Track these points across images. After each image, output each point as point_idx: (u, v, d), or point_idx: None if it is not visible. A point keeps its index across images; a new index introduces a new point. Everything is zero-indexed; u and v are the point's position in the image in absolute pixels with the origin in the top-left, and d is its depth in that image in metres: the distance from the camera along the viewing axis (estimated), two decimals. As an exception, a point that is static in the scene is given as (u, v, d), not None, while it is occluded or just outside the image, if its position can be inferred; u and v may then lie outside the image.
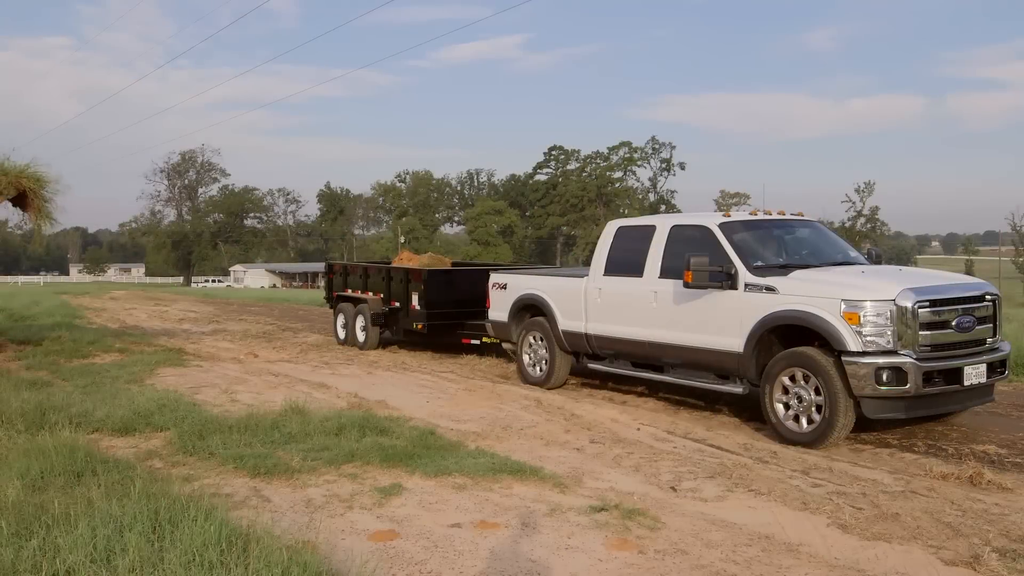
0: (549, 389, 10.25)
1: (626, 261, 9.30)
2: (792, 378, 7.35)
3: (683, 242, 8.58)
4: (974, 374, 7.16)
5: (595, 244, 10.20)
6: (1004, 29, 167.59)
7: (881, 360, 6.84)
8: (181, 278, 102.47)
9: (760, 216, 9.03)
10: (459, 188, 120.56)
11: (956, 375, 7.08)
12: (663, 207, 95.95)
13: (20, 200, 13.02)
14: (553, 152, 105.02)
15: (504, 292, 11.17)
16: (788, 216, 9.31)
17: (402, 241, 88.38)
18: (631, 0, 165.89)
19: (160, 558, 3.95)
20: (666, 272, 8.66)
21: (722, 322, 7.97)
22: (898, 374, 6.81)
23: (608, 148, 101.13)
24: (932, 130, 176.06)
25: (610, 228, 9.85)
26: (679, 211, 69.24)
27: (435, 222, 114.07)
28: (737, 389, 8.07)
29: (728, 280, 7.92)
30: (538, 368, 10.59)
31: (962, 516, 5.26)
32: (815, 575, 4.35)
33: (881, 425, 7.77)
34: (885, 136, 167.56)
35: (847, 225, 66.55)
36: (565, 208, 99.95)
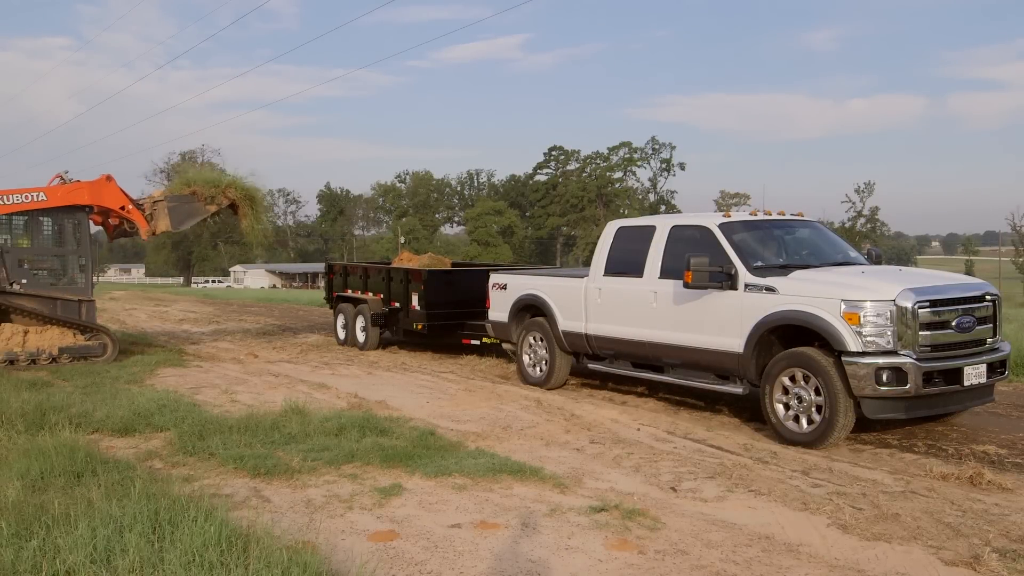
0: (549, 389, 10.25)
1: (626, 261, 9.30)
2: (792, 378, 7.35)
3: (683, 242, 8.58)
4: (974, 374, 7.16)
5: (595, 244, 10.20)
6: (1004, 29, 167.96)
7: (881, 360, 6.84)
8: (181, 278, 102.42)
9: (760, 216, 9.03)
10: (459, 188, 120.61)
11: (956, 375, 7.08)
12: (663, 207, 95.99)
13: (234, 208, 14.27)
14: (553, 152, 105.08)
15: (504, 292, 11.17)
16: (788, 216, 9.31)
17: (402, 241, 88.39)
18: (631, 0, 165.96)
19: (160, 558, 3.95)
20: (666, 272, 8.66)
21: (722, 322, 7.97)
22: (898, 374, 6.81)
23: (608, 148, 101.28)
24: (932, 130, 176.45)
25: (610, 228, 9.85)
26: (679, 211, 69.26)
27: (435, 222, 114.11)
28: (737, 389, 8.07)
29: (728, 280, 7.92)
30: (538, 368, 10.59)
31: (962, 516, 5.26)
32: (815, 575, 4.35)
33: (881, 425, 7.77)
34: (885, 136, 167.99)
35: (847, 225, 66.55)
36: (565, 208, 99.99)
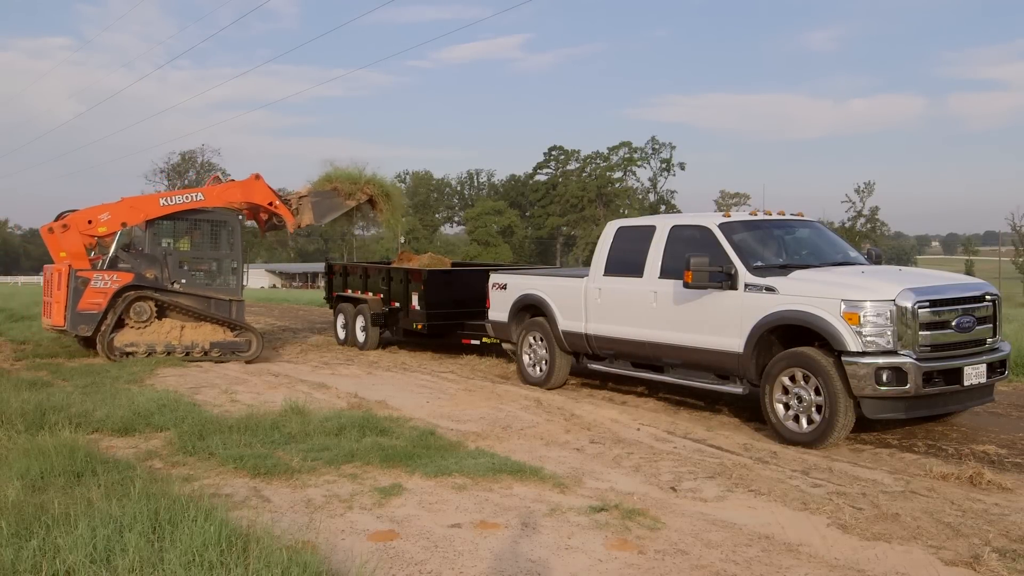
0: (549, 389, 10.25)
1: (626, 261, 9.30)
2: (792, 378, 7.35)
3: (683, 242, 8.58)
4: (974, 374, 7.16)
5: (595, 244, 10.21)
6: (1004, 29, 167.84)
7: (881, 360, 6.84)
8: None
9: (760, 216, 9.03)
10: (459, 188, 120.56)
11: (956, 375, 7.08)
12: (663, 207, 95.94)
13: (372, 203, 15.25)
14: (553, 152, 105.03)
15: (504, 292, 11.17)
16: (788, 216, 9.31)
17: (402, 241, 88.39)
18: (631, 0, 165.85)
19: (160, 558, 3.95)
20: (666, 272, 8.67)
21: (722, 322, 7.97)
22: (898, 374, 6.82)
23: (608, 148, 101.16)
24: (932, 130, 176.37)
25: (610, 228, 9.85)
26: (679, 211, 69.22)
27: (435, 222, 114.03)
28: (737, 389, 8.07)
29: (728, 280, 7.92)
30: (538, 368, 10.59)
31: (962, 516, 5.27)
32: (815, 575, 4.35)
33: (881, 425, 7.77)
34: (885, 136, 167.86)
35: (847, 225, 66.50)
36: (565, 208, 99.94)
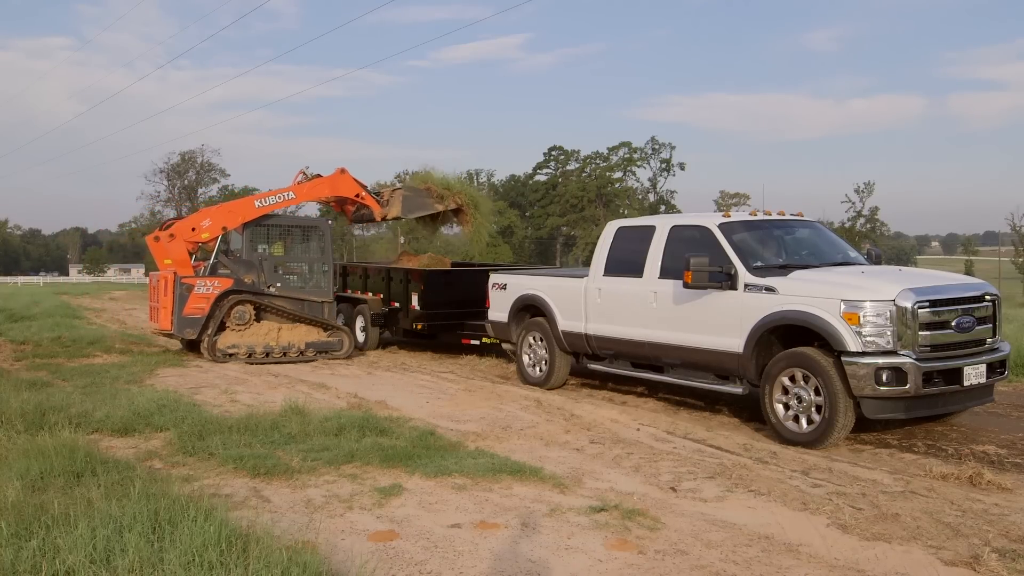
0: (549, 389, 10.25)
1: (626, 261, 9.30)
2: (792, 378, 7.35)
3: (683, 242, 8.58)
4: (974, 374, 7.16)
5: (595, 244, 10.21)
6: (1004, 29, 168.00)
7: (881, 360, 6.84)
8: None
9: (760, 216, 9.03)
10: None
11: (956, 375, 7.08)
12: (663, 207, 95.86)
13: (458, 212, 15.49)
14: (553, 152, 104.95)
15: (504, 292, 11.17)
16: (788, 216, 9.31)
17: (402, 241, 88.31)
18: (631, 0, 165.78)
19: (160, 558, 3.95)
20: (666, 272, 8.67)
21: (722, 322, 7.97)
22: (898, 374, 6.82)
23: (608, 148, 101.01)
24: (932, 130, 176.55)
25: (610, 228, 9.85)
26: (679, 211, 69.23)
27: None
28: (737, 389, 8.07)
29: (728, 280, 7.92)
30: (538, 368, 10.59)
31: (962, 516, 5.27)
32: (815, 575, 4.35)
33: (881, 425, 7.77)
34: (885, 136, 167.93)
35: (847, 225, 66.37)
36: (565, 208, 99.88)
